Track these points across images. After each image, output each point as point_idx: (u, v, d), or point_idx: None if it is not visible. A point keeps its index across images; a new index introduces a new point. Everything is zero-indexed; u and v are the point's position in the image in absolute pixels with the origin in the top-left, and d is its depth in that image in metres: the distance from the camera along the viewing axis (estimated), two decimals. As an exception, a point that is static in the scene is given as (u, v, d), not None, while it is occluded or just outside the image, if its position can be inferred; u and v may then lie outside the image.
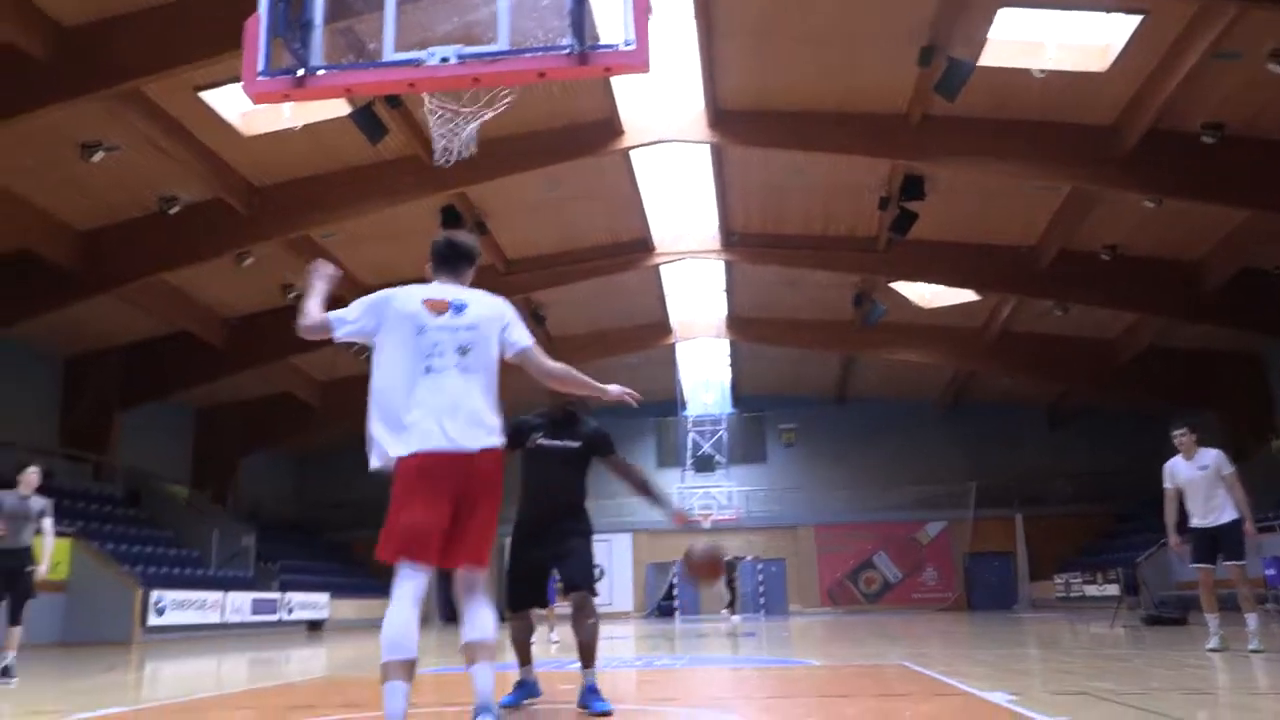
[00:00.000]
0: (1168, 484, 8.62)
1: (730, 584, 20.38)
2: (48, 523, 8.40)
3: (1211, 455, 8.43)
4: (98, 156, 15.99)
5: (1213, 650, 8.08)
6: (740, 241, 23.34)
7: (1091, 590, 25.04)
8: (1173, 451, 8.63)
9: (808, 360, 31.14)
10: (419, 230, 20.95)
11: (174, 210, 18.06)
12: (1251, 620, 8.06)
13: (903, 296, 25.10)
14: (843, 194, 20.80)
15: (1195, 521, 8.43)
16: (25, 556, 8.36)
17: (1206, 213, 18.60)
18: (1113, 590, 22.35)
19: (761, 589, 30.88)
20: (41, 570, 8.46)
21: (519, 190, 20.09)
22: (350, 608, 27.08)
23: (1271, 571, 15.41)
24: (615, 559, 32.57)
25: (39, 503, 8.42)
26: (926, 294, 25.36)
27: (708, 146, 19.41)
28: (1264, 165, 16.60)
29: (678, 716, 5.03)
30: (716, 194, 21.57)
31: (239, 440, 28.56)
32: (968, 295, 24.67)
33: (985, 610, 27.70)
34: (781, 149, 19.01)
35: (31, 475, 8.46)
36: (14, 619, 8.30)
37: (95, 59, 14.15)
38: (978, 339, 26.88)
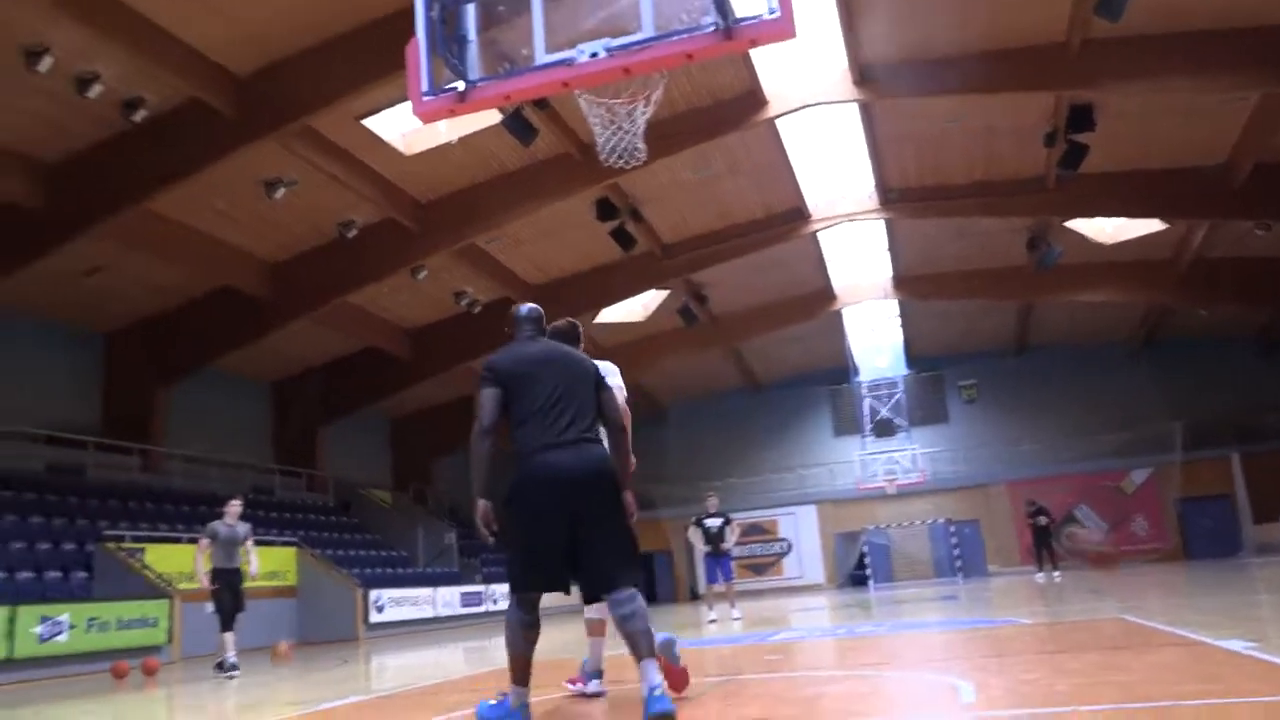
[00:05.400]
0: None
1: (1045, 541, 19.73)
2: (250, 543, 9.57)
3: None
4: (279, 193, 17.17)
5: None
6: (899, 198, 22.65)
7: (1329, 529, 23.01)
8: None
9: (982, 312, 29.93)
10: (576, 225, 21.49)
11: (351, 234, 19.18)
12: None
13: (1079, 235, 23.70)
14: (1003, 135, 19.82)
15: None
16: (239, 575, 9.56)
17: None
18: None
19: (956, 551, 29.98)
20: (252, 571, 9.68)
21: (669, 174, 20.21)
22: (549, 596, 28.09)
23: None
24: (801, 531, 32.38)
25: (244, 528, 9.62)
26: (1106, 229, 23.85)
27: (855, 105, 18.92)
28: None
29: (892, 680, 4.99)
30: (869, 152, 20.99)
31: (431, 444, 30.06)
32: (1153, 225, 23.03)
33: (1205, 559, 25.88)
34: (933, 96, 18.31)
35: (234, 506, 9.75)
36: (229, 627, 9.46)
37: (267, 103, 15.17)
38: (1169, 270, 25.05)
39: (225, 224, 18.52)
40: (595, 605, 4.82)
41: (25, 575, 14.23)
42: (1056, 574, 19.69)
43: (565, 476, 3.80)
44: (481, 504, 3.91)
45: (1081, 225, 23.47)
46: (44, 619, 12.75)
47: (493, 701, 4.11)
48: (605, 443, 4.08)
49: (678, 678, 4.57)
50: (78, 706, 8.05)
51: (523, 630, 3.94)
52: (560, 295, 24.20)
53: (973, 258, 25.84)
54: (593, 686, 5.15)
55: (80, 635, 13.18)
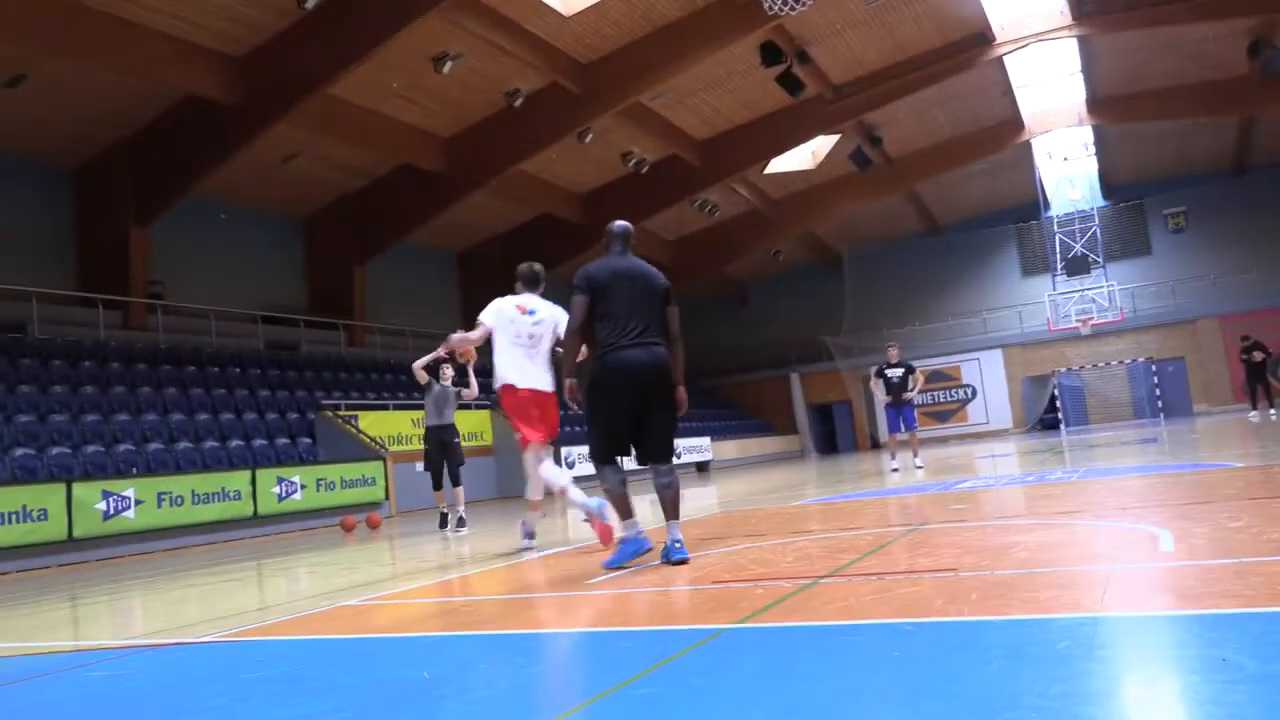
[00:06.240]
0: None
1: (1260, 378, 18.47)
2: (464, 391, 9.95)
3: None
4: (447, 67, 17.46)
5: None
6: (1096, 9, 20.62)
7: None
8: None
9: (1193, 131, 27.28)
10: (741, 73, 20.85)
11: (518, 103, 19.37)
12: None
13: (1313, 33, 20.95)
14: (1221, -75, 17.53)
15: None
16: (452, 431, 10.08)
17: None
18: None
19: (1158, 391, 28.46)
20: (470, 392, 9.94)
21: (836, 9, 19.15)
22: (731, 448, 28.78)
23: None
24: (987, 376, 31.48)
25: (454, 390, 10.06)
26: (1347, 24, 20.92)
27: (1043, -91, 17.13)
28: None
29: (1085, 528, 4.89)
30: (1060, -39, 19.10)
31: (609, 306, 30.79)
32: (1406, 14, 20.04)
33: None
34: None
35: (448, 369, 10.17)
36: (455, 481, 10.06)
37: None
38: None
39: (401, 103, 19.09)
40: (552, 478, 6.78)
41: (260, 442, 15.86)
42: (1273, 412, 18.40)
43: (637, 369, 4.75)
44: (569, 382, 5.06)
45: (1315, 23, 20.72)
46: (280, 480, 14.24)
47: (610, 555, 5.09)
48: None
49: (604, 532, 5.83)
50: (328, 554, 9.04)
51: (619, 483, 5.02)
52: (727, 148, 23.77)
53: (1184, 70, 23.42)
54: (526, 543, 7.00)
55: (311, 494, 14.67)
